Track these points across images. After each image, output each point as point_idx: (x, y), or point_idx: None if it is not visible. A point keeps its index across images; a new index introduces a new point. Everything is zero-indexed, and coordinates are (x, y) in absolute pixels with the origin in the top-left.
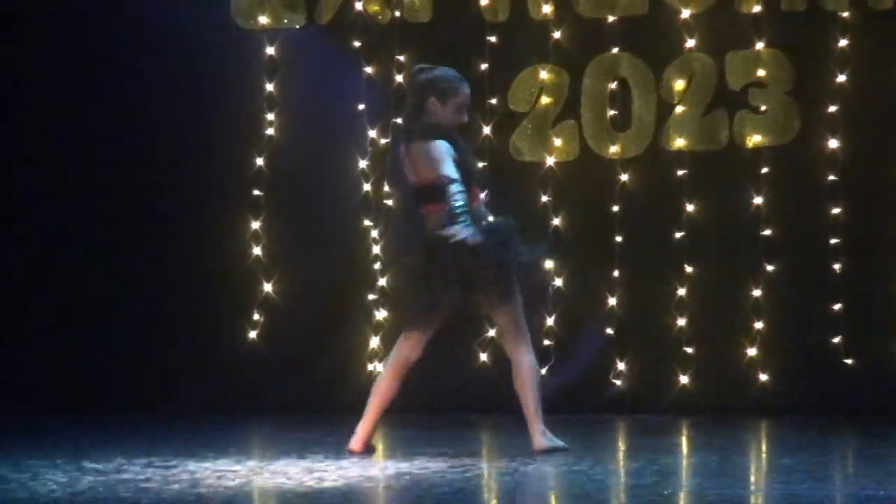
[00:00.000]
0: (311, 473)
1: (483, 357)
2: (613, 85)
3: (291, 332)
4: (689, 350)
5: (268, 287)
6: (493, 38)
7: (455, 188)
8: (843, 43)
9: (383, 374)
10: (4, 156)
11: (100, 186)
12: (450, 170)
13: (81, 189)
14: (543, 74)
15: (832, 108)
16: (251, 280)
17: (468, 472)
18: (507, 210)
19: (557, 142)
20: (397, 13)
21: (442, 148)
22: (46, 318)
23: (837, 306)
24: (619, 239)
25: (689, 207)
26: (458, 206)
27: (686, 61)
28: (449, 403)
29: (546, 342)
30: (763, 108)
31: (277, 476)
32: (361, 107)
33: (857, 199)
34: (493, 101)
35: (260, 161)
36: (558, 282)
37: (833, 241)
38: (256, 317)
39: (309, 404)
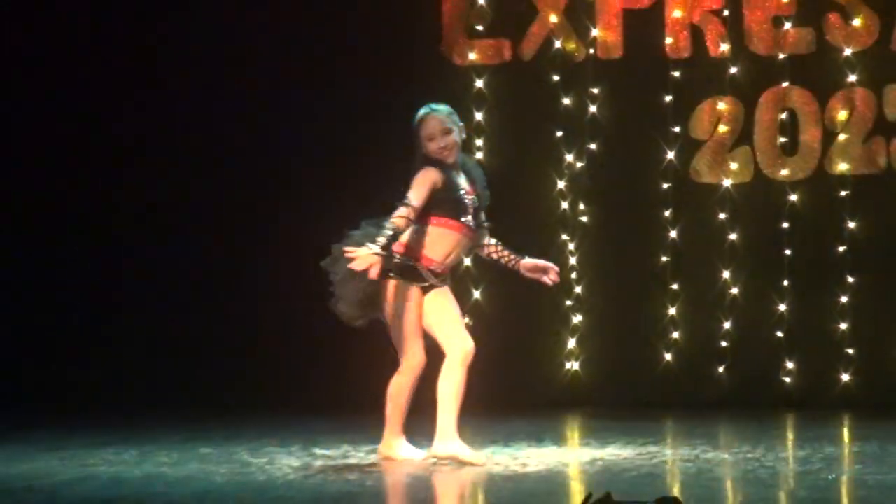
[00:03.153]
0: (515, 459)
1: (668, 357)
2: (783, 115)
3: (497, 334)
4: (851, 351)
5: (477, 294)
6: (676, 73)
7: (399, 212)
8: None
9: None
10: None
11: (311, 205)
12: (413, 195)
13: (294, 206)
14: (721, 105)
15: None
16: (462, 288)
17: (654, 458)
18: (687, 227)
19: (733, 165)
20: (591, 51)
21: (420, 176)
22: (276, 321)
23: None
24: (787, 252)
25: (851, 224)
26: (386, 228)
27: (848, 94)
28: (637, 398)
29: (723, 344)
30: None
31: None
32: (559, 134)
33: None
34: (676, 129)
35: None
36: (734, 290)
37: None
38: (467, 320)
39: (512, 398)
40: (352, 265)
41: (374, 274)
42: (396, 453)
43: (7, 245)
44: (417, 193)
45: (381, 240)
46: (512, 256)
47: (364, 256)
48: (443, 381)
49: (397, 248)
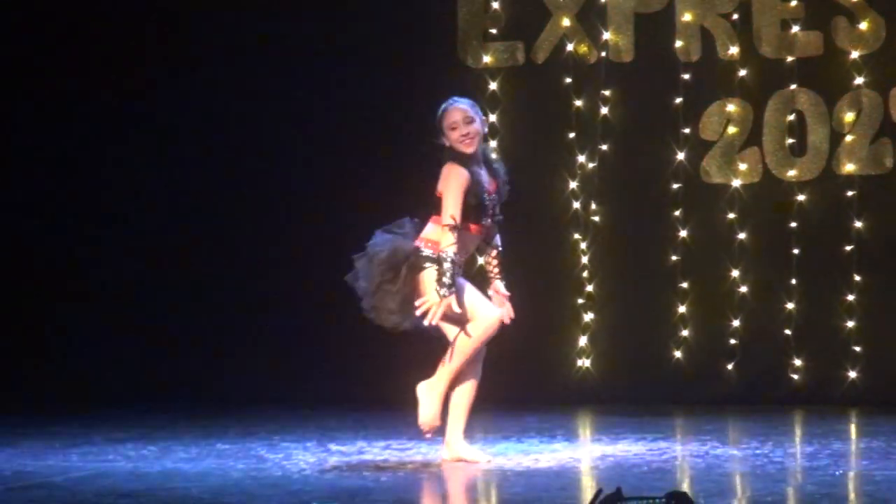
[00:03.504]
0: (527, 455)
1: (677, 354)
2: (791, 116)
3: (510, 332)
4: (858, 349)
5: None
6: (686, 76)
7: (449, 238)
8: None
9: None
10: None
11: (332, 207)
12: (453, 209)
13: (313, 208)
14: (730, 107)
15: None
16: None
17: (664, 454)
18: (696, 226)
19: (742, 166)
20: (603, 54)
21: (452, 183)
22: (292, 317)
23: None
24: (795, 251)
25: (858, 224)
26: (445, 260)
27: (855, 96)
28: (647, 394)
29: (732, 341)
30: None
31: (498, 457)
32: (572, 135)
33: None
34: (686, 130)
35: None
36: (743, 288)
37: None
38: None
39: (524, 395)
40: (430, 315)
41: (457, 307)
42: (423, 406)
43: (36, 239)
44: (456, 206)
45: (446, 278)
46: (495, 273)
47: (439, 305)
48: (457, 386)
49: (423, 242)
